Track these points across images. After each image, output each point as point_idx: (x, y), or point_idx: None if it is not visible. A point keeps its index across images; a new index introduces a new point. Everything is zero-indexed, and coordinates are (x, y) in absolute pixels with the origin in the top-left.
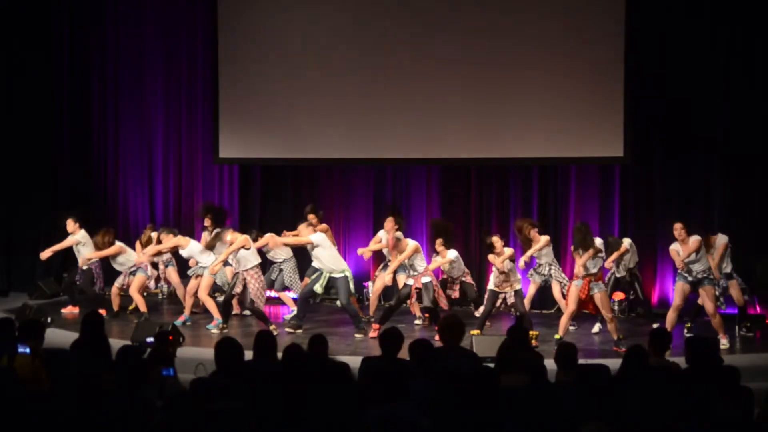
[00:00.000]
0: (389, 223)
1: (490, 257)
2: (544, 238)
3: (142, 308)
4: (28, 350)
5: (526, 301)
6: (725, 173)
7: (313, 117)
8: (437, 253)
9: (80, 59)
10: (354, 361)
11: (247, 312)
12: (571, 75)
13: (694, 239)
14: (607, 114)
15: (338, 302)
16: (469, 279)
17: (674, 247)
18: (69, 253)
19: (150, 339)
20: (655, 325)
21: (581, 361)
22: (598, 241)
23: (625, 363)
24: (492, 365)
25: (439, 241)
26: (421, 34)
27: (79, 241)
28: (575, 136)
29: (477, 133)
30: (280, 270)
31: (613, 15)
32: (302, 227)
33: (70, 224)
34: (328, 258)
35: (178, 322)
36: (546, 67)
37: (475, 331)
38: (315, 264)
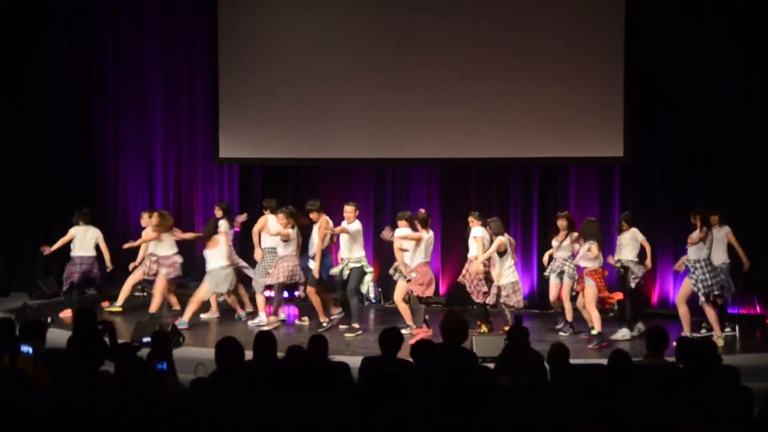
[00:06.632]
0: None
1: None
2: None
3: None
4: (30, 350)
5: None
6: (725, 173)
7: (313, 117)
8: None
9: (80, 59)
10: (354, 361)
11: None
12: (571, 75)
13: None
14: (607, 114)
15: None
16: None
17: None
18: (66, 253)
19: (146, 339)
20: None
21: (581, 361)
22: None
23: (609, 367)
24: (492, 365)
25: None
26: (420, 35)
27: (73, 236)
28: (575, 136)
29: (477, 133)
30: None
31: (613, 15)
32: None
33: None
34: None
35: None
36: (546, 68)
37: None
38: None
